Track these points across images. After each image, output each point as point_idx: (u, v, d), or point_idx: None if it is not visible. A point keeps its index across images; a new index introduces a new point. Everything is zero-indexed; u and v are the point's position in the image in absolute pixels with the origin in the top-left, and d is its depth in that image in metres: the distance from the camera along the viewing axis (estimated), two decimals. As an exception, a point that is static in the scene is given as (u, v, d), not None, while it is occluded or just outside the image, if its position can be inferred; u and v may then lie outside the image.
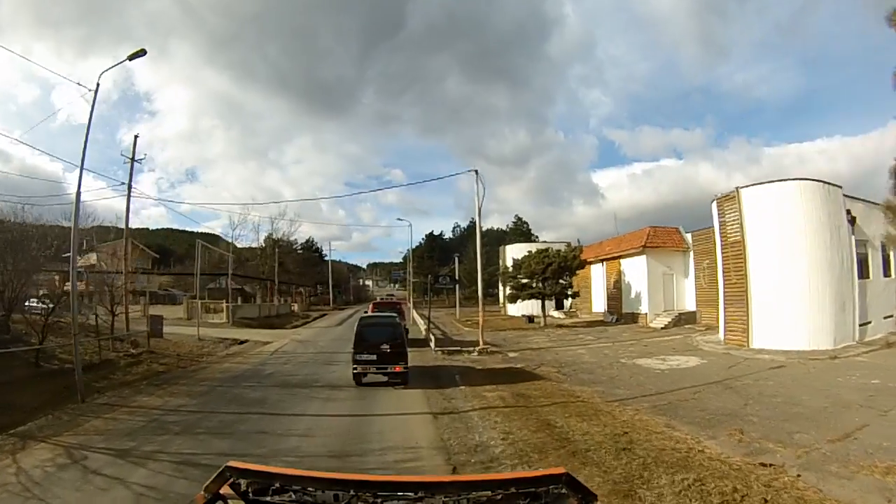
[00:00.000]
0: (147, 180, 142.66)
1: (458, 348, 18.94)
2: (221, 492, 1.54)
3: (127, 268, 20.20)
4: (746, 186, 17.61)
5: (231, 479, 1.55)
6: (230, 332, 26.27)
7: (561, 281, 28.08)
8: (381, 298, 27.44)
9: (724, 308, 18.25)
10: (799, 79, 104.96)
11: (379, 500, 1.49)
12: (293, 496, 1.54)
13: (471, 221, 69.91)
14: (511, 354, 18.14)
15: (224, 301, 32.64)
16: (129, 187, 21.32)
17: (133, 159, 21.51)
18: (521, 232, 66.12)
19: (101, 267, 41.98)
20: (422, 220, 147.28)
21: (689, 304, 25.63)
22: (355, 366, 11.63)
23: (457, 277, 37.82)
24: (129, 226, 22.00)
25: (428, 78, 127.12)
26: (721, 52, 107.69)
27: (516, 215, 73.50)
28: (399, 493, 1.50)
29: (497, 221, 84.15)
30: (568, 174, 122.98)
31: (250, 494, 1.56)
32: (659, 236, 28.06)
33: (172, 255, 69.65)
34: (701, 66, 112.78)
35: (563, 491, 1.49)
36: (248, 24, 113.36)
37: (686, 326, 23.74)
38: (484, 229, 65.09)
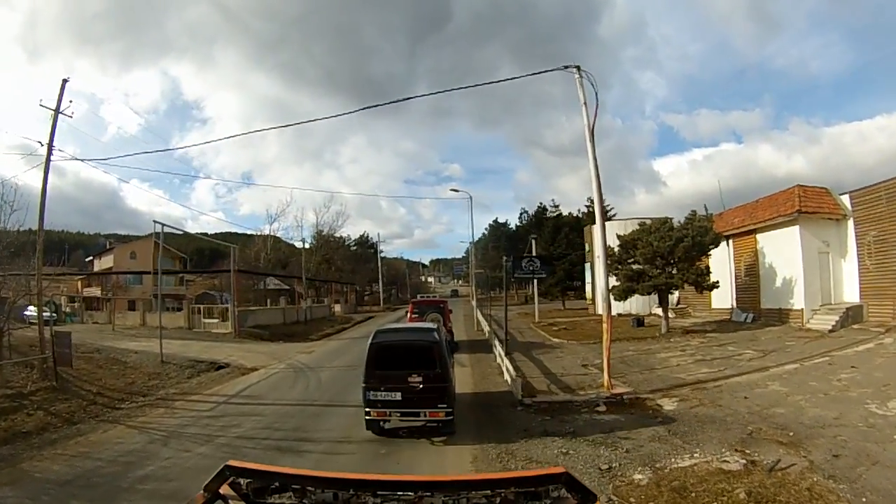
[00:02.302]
0: (203, 186, 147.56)
1: (567, 397, 9.88)
2: (221, 491, 1.49)
3: (40, 263, 13.53)
4: None
5: (230, 479, 1.51)
6: (222, 347, 19.19)
7: (690, 266, 18.30)
8: (421, 296, 19.18)
9: None
10: (851, 52, 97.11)
11: (378, 500, 1.45)
12: (293, 495, 1.50)
13: (539, 206, 59.98)
14: (666, 405, 9.02)
15: (228, 306, 25.90)
16: (50, 146, 14.72)
17: (57, 110, 14.87)
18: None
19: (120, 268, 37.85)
20: (483, 214, 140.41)
21: (850, 295, 18.03)
22: (368, 409, 7.41)
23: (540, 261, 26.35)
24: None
25: (479, 69, 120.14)
26: (773, 26, 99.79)
27: (589, 198, 62.40)
28: (399, 493, 1.46)
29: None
30: (628, 162, 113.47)
31: (250, 494, 1.51)
32: (810, 198, 18.68)
33: (225, 257, 67.12)
34: (754, 41, 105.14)
35: (563, 491, 1.44)
36: (293, 25, 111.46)
37: (854, 327, 16.16)
38: (552, 216, 55.06)
